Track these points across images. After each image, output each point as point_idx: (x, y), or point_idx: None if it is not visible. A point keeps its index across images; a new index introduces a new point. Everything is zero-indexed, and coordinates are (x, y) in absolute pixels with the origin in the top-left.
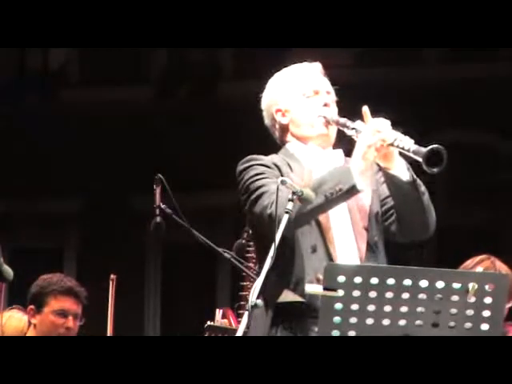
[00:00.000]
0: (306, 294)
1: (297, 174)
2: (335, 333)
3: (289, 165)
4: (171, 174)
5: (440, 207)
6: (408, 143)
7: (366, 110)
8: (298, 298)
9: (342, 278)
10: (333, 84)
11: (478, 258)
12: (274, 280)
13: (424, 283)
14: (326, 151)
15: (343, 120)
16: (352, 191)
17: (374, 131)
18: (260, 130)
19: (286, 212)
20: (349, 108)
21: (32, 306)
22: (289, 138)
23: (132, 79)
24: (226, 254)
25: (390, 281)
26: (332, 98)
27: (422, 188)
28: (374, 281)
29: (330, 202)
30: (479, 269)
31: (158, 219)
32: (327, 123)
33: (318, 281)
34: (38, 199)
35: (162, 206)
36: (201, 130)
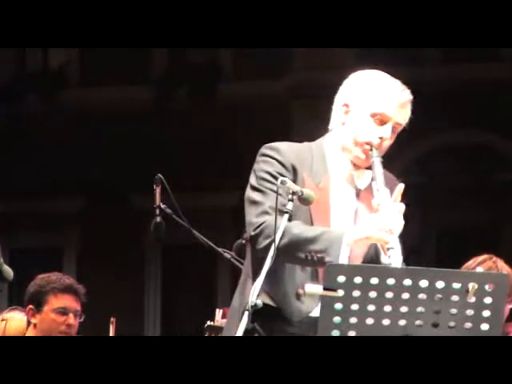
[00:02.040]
0: (281, 301)
1: (316, 180)
2: (335, 333)
3: (311, 168)
4: (171, 174)
5: (440, 207)
6: (396, 259)
7: (400, 188)
8: (272, 303)
9: (341, 278)
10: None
11: (479, 259)
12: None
13: (424, 283)
14: (357, 172)
15: (378, 173)
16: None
17: (386, 228)
18: (260, 130)
19: (286, 212)
20: None
21: (31, 306)
22: (336, 130)
23: (132, 79)
24: (226, 254)
25: (390, 281)
26: (395, 131)
27: None
28: (374, 281)
29: (308, 262)
30: (480, 269)
31: (158, 219)
32: (367, 152)
33: (297, 296)
34: (38, 199)
35: (162, 206)
36: (200, 129)
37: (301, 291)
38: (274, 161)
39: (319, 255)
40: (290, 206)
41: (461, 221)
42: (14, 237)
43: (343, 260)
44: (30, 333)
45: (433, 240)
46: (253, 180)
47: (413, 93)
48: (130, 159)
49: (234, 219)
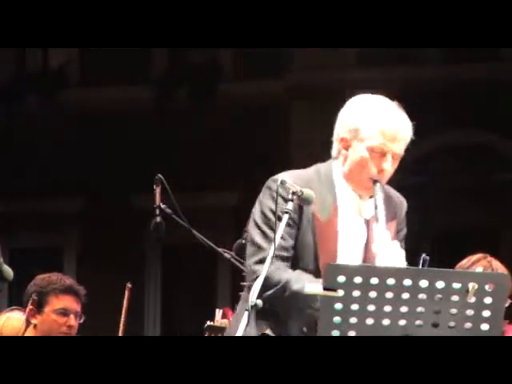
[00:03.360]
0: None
1: (323, 215)
2: (335, 333)
3: (321, 197)
4: (171, 174)
5: (440, 207)
6: None
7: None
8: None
9: (341, 278)
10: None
11: (474, 258)
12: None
13: (424, 283)
14: (363, 202)
15: (380, 210)
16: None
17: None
18: (260, 130)
19: (286, 212)
20: None
21: (32, 306)
22: (340, 159)
23: (132, 79)
24: (226, 254)
25: (390, 281)
26: (395, 160)
27: None
28: (374, 281)
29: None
30: (479, 269)
31: (158, 219)
32: (371, 185)
33: (301, 332)
34: (38, 199)
35: (162, 206)
36: (200, 129)
37: (305, 329)
38: (279, 198)
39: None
40: (290, 206)
41: (461, 221)
42: (14, 237)
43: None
44: (30, 333)
45: (433, 240)
46: (257, 216)
47: (413, 93)
48: (130, 159)
49: (234, 219)
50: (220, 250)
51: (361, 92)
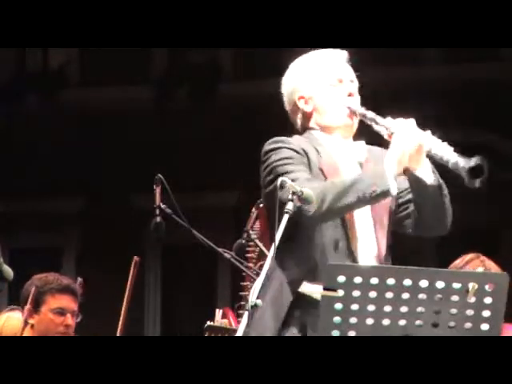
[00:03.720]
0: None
1: (326, 160)
2: (335, 333)
3: (317, 150)
4: (171, 174)
5: None
6: (447, 153)
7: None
8: (315, 295)
9: (341, 278)
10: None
11: (467, 257)
12: (291, 266)
13: (424, 283)
14: (349, 142)
15: (371, 114)
16: (385, 195)
17: (412, 136)
18: (260, 130)
19: (286, 212)
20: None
21: (29, 306)
22: (312, 124)
23: (132, 79)
24: (226, 254)
25: (390, 281)
26: (355, 86)
27: (445, 191)
28: (374, 281)
29: (361, 202)
30: (480, 269)
31: (158, 219)
32: (352, 114)
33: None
34: (37, 199)
35: (162, 206)
36: (200, 129)
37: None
38: (284, 149)
39: (370, 190)
40: (290, 206)
41: (461, 221)
42: (14, 237)
43: (394, 183)
44: (28, 333)
45: (433, 240)
46: (270, 177)
47: (413, 93)
48: (130, 159)
49: (234, 219)
50: (220, 250)
51: (360, 92)
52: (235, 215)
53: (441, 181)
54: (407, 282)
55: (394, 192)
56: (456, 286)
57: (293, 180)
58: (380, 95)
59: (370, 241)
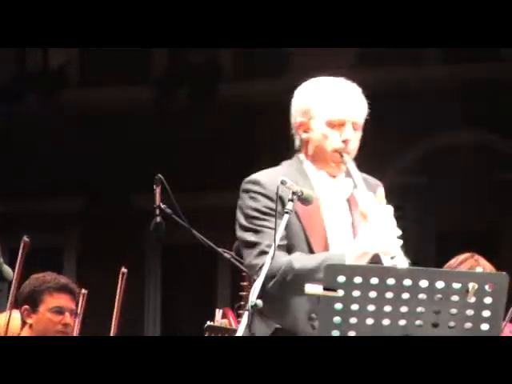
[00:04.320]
0: (293, 327)
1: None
2: (335, 333)
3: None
4: (171, 174)
5: (440, 207)
6: (401, 263)
7: (381, 192)
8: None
9: (341, 278)
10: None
11: (462, 257)
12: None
13: (424, 283)
14: (337, 180)
15: (357, 178)
16: None
17: (382, 243)
18: (259, 130)
19: (286, 212)
20: None
21: (26, 306)
22: (305, 151)
23: (132, 79)
24: (225, 254)
25: (390, 281)
26: (358, 129)
27: None
28: (374, 281)
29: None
30: (479, 269)
31: (158, 219)
32: (340, 160)
33: (310, 320)
34: (38, 199)
35: (162, 206)
36: (200, 129)
37: (313, 316)
38: (259, 196)
39: None
40: (290, 206)
41: (461, 221)
42: (14, 237)
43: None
44: (26, 333)
45: (433, 240)
46: (242, 219)
47: (413, 93)
48: (130, 159)
49: (235, 219)
50: (220, 250)
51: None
52: (235, 215)
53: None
54: (407, 282)
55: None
56: (456, 285)
57: (257, 244)
58: (380, 95)
59: None
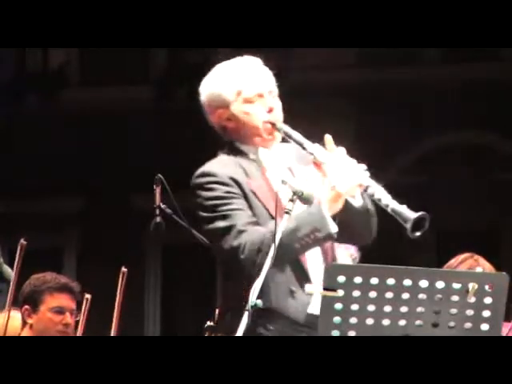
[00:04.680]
0: (275, 302)
1: (255, 180)
2: (335, 333)
3: (244, 170)
4: (171, 174)
5: (440, 207)
6: (386, 197)
7: (329, 138)
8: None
9: (341, 278)
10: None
11: (461, 257)
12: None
13: (424, 283)
14: (274, 149)
15: (298, 137)
16: (328, 238)
17: (352, 178)
18: None
19: (286, 212)
20: (347, 109)
21: (27, 306)
22: (234, 138)
23: (132, 79)
24: None
25: (390, 281)
26: (275, 95)
27: (372, 212)
28: (374, 281)
29: (304, 249)
30: (479, 269)
31: (158, 219)
32: (274, 129)
33: (291, 293)
34: (38, 199)
35: (162, 206)
36: (200, 129)
37: (293, 288)
38: (214, 185)
39: (312, 237)
40: (290, 206)
41: (461, 221)
42: (14, 237)
43: (334, 225)
44: (26, 333)
45: (433, 240)
46: (205, 213)
47: (413, 93)
48: (130, 159)
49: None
50: None
51: (360, 92)
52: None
53: (368, 202)
54: (407, 282)
55: (335, 231)
56: (456, 286)
57: (231, 227)
58: (380, 95)
59: (318, 255)
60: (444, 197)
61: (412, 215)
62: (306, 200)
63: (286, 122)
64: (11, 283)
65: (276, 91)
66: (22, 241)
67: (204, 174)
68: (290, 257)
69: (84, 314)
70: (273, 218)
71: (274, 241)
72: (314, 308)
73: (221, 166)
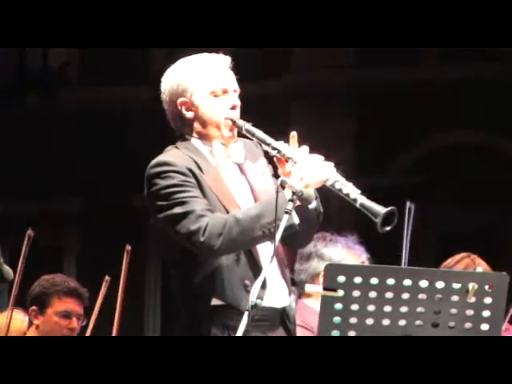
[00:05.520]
0: (230, 297)
1: (209, 174)
2: (335, 333)
3: (197, 165)
4: None
5: (440, 207)
6: (354, 193)
7: (294, 135)
8: (224, 303)
9: (341, 278)
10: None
11: (458, 256)
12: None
13: (424, 283)
14: (230, 148)
15: (261, 134)
16: (290, 228)
17: (320, 173)
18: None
19: (286, 212)
20: (347, 109)
21: (34, 307)
22: (190, 131)
23: (132, 79)
24: None
25: (390, 281)
26: (237, 95)
27: (320, 218)
28: (374, 281)
29: (266, 237)
30: (479, 268)
31: None
32: (234, 127)
33: (245, 287)
34: (38, 199)
35: None
36: None
37: (247, 282)
38: (171, 173)
39: (274, 225)
40: (289, 206)
41: (461, 221)
42: (14, 237)
43: (297, 217)
44: (32, 333)
45: (433, 240)
46: (161, 202)
47: (413, 93)
48: (130, 159)
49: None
50: None
51: (360, 92)
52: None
53: (320, 206)
54: (407, 282)
55: (297, 225)
56: (456, 286)
57: (190, 212)
58: (380, 95)
59: (268, 245)
60: (444, 197)
61: (382, 210)
62: (306, 200)
63: (285, 121)
64: (16, 277)
65: (239, 91)
66: (30, 231)
67: (160, 164)
68: (249, 244)
69: (102, 296)
70: (225, 209)
71: (274, 242)
72: (270, 301)
73: (177, 157)
